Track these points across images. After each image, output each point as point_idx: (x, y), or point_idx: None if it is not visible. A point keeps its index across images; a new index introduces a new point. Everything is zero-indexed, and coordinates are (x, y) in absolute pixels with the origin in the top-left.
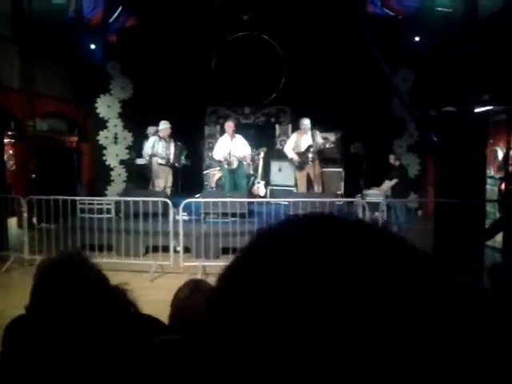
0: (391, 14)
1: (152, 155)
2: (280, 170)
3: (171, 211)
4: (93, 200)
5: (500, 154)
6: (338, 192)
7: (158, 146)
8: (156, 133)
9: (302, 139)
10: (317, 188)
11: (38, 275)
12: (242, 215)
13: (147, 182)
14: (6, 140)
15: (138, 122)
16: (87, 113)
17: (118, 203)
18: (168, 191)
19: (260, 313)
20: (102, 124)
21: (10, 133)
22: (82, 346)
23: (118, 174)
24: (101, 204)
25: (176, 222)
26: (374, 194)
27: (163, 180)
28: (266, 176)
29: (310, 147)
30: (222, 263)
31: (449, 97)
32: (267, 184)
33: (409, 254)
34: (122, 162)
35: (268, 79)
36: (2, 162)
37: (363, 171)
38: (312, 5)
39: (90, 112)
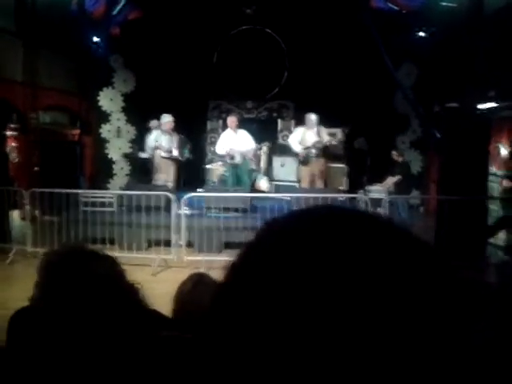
0: (395, 8)
1: (155, 148)
2: (282, 165)
3: (173, 205)
4: (95, 193)
5: (503, 151)
6: (341, 188)
7: (162, 139)
8: (159, 126)
9: (307, 134)
10: (319, 184)
11: (43, 267)
12: (245, 210)
13: (150, 176)
14: (8, 132)
15: (140, 116)
16: (90, 106)
17: (120, 197)
18: (170, 185)
19: (265, 308)
20: (104, 117)
21: (12, 125)
22: (86, 338)
23: (121, 168)
24: (103, 197)
25: (178, 216)
26: (377, 190)
27: (165, 174)
28: (269, 171)
29: (316, 143)
30: (224, 258)
31: (453, 93)
32: (270, 179)
33: (413, 247)
34: (124, 156)
35: (271, 74)
36: (4, 155)
37: (366, 167)
38: None
39: (93, 105)
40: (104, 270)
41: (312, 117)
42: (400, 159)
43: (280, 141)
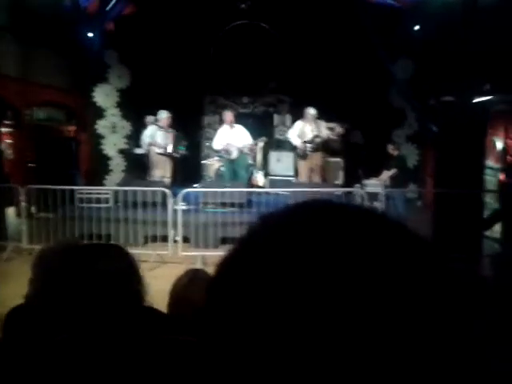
0: (391, 3)
1: (150, 144)
2: (279, 160)
3: (170, 201)
4: (91, 189)
5: (499, 144)
6: (337, 182)
7: (157, 136)
8: (155, 122)
9: (306, 128)
10: (317, 178)
11: (36, 264)
12: (241, 205)
13: (146, 172)
14: (3, 129)
15: (136, 111)
16: (85, 102)
17: (116, 193)
18: (166, 181)
19: (258, 302)
20: (99, 113)
21: (7, 122)
22: (81, 335)
23: (117, 164)
24: (99, 193)
25: (175, 211)
26: (373, 184)
27: (162, 170)
28: (265, 166)
29: (315, 137)
30: (220, 253)
31: (448, 86)
32: (266, 174)
33: (409, 241)
34: (120, 152)
35: (266, 68)
36: None
37: (362, 161)
38: None
39: (88, 101)
40: (103, 266)
41: (311, 111)
42: (396, 153)
43: (276, 135)
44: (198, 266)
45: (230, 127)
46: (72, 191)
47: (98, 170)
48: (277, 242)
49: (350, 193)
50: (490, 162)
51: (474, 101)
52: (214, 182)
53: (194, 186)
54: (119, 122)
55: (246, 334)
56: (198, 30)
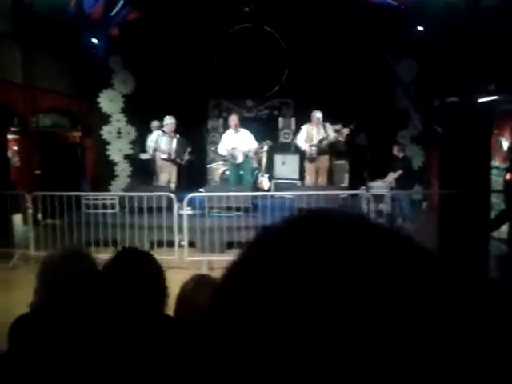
0: (394, 3)
1: (155, 149)
2: (284, 163)
3: (175, 206)
4: (97, 195)
5: (505, 144)
6: (342, 184)
7: (161, 141)
8: (160, 127)
9: (313, 131)
10: (322, 180)
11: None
12: (247, 209)
13: (151, 177)
14: (9, 136)
15: (140, 117)
16: (90, 108)
17: (122, 198)
18: (172, 186)
19: (262, 309)
20: (105, 119)
21: (13, 129)
22: (86, 343)
23: (122, 169)
24: (105, 199)
25: (180, 216)
26: (379, 186)
27: (167, 174)
28: (270, 169)
29: (322, 140)
30: (227, 257)
31: (453, 87)
32: (271, 177)
33: (411, 254)
34: (125, 157)
35: (270, 72)
36: (6, 159)
37: (367, 163)
38: None
39: (93, 107)
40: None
41: (317, 114)
42: (401, 154)
43: (281, 139)
44: (204, 270)
45: (235, 132)
46: (78, 197)
47: (103, 175)
48: (281, 253)
49: (355, 195)
50: (496, 162)
51: (479, 101)
52: (220, 186)
53: (200, 190)
54: (124, 127)
55: (251, 339)
56: (201, 34)
